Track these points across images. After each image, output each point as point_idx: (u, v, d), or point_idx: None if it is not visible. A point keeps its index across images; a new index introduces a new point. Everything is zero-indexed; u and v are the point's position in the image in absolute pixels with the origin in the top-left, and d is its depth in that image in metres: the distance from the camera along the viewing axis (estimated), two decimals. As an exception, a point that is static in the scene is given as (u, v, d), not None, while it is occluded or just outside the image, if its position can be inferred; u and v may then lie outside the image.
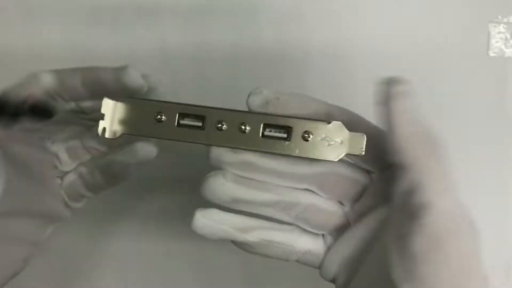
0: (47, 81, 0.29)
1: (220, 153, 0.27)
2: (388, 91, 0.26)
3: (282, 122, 0.26)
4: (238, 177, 0.27)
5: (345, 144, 0.26)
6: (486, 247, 0.41)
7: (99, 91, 0.28)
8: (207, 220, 0.27)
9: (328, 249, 0.28)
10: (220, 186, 0.26)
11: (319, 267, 0.28)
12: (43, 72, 0.29)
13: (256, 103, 0.27)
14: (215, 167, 0.27)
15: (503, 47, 0.41)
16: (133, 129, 0.27)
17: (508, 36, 0.41)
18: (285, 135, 0.27)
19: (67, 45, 0.40)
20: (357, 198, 0.28)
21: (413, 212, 0.23)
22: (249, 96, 0.27)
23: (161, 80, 0.31)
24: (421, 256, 0.22)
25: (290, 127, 0.26)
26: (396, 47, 0.41)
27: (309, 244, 0.28)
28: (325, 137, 0.26)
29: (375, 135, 0.27)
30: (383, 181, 0.27)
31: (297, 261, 0.29)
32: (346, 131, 0.26)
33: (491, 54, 0.41)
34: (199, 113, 0.27)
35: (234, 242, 0.28)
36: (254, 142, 0.26)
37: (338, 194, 0.28)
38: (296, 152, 0.26)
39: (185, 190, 0.36)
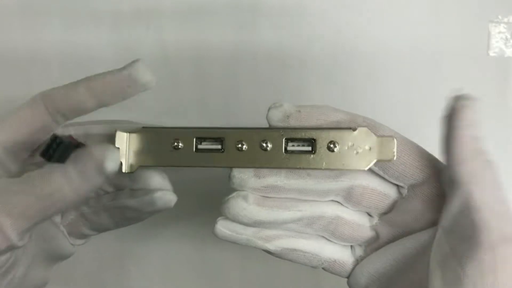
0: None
1: (243, 179, 0.26)
2: (454, 104, 0.24)
3: (304, 135, 0.25)
4: (260, 198, 0.26)
5: (374, 150, 0.25)
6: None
7: (108, 98, 0.27)
8: (229, 231, 0.26)
9: (357, 260, 0.28)
10: (242, 210, 0.25)
11: (347, 277, 0.28)
12: (49, 95, 0.27)
13: (276, 117, 0.25)
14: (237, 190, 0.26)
15: (504, 47, 0.41)
16: (150, 160, 0.26)
17: (508, 36, 0.41)
18: (309, 148, 0.25)
19: (67, 45, 0.40)
20: (386, 211, 0.27)
21: (468, 235, 0.22)
22: (269, 110, 0.26)
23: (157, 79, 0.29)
24: (473, 282, 0.21)
25: (314, 139, 0.25)
26: (396, 47, 0.41)
27: (335, 254, 0.27)
28: (352, 145, 0.25)
29: (404, 146, 0.26)
30: (416, 197, 0.26)
31: (324, 269, 0.28)
32: (374, 136, 0.25)
33: (491, 54, 0.41)
34: (217, 136, 0.25)
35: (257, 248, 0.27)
36: (278, 160, 0.25)
37: (366, 206, 0.27)
38: (323, 165, 0.25)
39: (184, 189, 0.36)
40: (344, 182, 0.26)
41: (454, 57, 0.41)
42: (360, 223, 0.27)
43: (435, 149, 0.43)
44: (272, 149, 0.25)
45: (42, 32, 0.40)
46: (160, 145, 0.25)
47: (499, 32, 0.41)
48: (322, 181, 0.26)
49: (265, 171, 0.26)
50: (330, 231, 0.27)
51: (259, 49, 0.40)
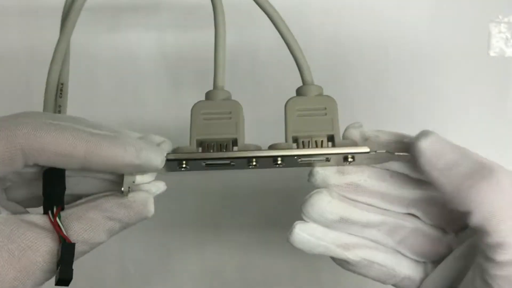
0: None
1: (326, 174, 0.25)
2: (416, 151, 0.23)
3: (317, 156, 0.24)
4: (343, 197, 0.25)
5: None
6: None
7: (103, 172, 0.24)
8: (308, 236, 0.25)
9: (425, 276, 0.27)
10: (327, 204, 0.24)
11: None
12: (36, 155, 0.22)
13: (353, 136, 0.25)
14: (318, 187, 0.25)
15: (504, 47, 0.41)
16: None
17: (509, 36, 0.41)
18: (323, 158, 0.25)
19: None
20: (463, 227, 0.26)
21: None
22: (346, 129, 0.25)
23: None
24: None
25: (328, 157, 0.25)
26: (396, 47, 0.41)
27: (410, 270, 0.27)
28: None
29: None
30: None
31: (394, 285, 0.27)
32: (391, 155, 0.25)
33: (492, 53, 0.41)
34: (225, 162, 0.24)
35: (333, 259, 0.26)
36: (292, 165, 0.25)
37: (443, 221, 0.26)
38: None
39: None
40: (427, 191, 0.25)
41: (454, 57, 0.41)
42: (437, 238, 0.26)
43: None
44: (284, 162, 0.24)
45: (42, 32, 0.39)
46: (170, 166, 0.25)
47: (500, 32, 0.41)
48: (404, 185, 0.25)
49: (348, 168, 0.25)
50: (410, 243, 0.26)
51: (259, 49, 0.40)
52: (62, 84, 0.27)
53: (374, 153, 0.24)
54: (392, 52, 0.40)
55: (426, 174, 0.23)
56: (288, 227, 0.25)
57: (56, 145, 0.21)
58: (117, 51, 0.40)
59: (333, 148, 0.24)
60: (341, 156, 0.24)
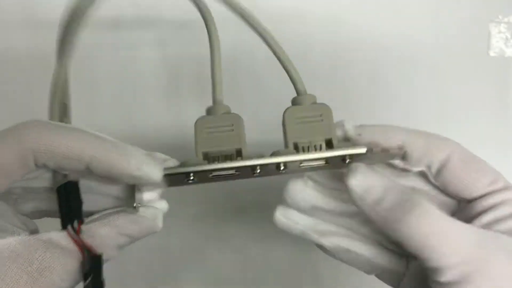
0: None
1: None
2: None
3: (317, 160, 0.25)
4: (319, 186, 0.26)
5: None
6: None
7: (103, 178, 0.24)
8: (285, 219, 0.26)
9: (408, 269, 0.26)
10: (300, 192, 0.26)
11: (397, 287, 0.27)
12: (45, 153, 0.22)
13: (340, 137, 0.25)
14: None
15: (504, 47, 0.41)
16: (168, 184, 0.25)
17: (509, 36, 0.41)
18: (323, 162, 0.25)
19: (67, 45, 0.40)
20: None
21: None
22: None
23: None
24: None
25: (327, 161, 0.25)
26: (396, 47, 0.41)
27: (390, 263, 0.26)
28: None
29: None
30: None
31: (376, 276, 0.27)
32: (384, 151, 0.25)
33: (492, 54, 0.41)
34: (231, 173, 0.25)
35: (315, 244, 0.27)
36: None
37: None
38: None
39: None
40: (410, 181, 0.26)
41: (454, 57, 0.41)
42: (396, 260, 0.27)
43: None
44: (286, 168, 0.25)
45: (42, 32, 0.40)
46: (176, 180, 0.25)
47: (499, 32, 0.41)
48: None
49: None
50: (378, 260, 0.26)
51: (259, 49, 0.40)
52: (65, 104, 0.28)
53: (370, 154, 0.24)
54: (392, 52, 0.41)
55: (358, 208, 0.24)
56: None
57: (65, 147, 0.22)
58: (117, 51, 0.40)
59: (331, 151, 0.25)
60: (339, 158, 0.24)
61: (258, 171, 0.25)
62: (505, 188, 0.24)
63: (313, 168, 0.26)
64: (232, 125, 0.26)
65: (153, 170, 0.23)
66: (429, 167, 0.25)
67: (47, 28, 0.39)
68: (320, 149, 0.25)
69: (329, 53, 0.40)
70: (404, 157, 0.25)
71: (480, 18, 0.41)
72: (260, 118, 0.37)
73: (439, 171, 0.25)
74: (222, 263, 0.42)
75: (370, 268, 0.27)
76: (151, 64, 0.40)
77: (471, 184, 0.25)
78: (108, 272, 0.43)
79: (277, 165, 0.24)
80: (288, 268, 0.43)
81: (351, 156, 0.24)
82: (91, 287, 0.22)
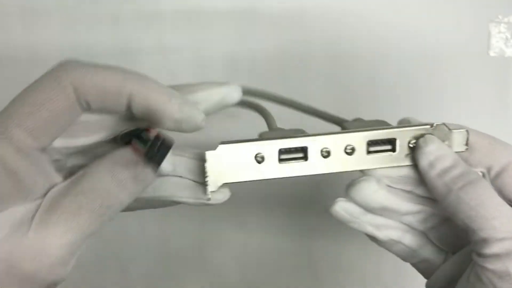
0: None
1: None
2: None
3: (386, 135, 0.25)
4: (390, 187, 0.26)
5: (449, 144, 0.26)
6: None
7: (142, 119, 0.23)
8: (345, 213, 0.26)
9: (440, 264, 0.28)
10: (373, 192, 0.26)
11: (428, 277, 0.28)
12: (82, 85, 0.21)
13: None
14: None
15: (504, 47, 0.41)
16: (235, 176, 0.25)
17: (509, 36, 0.41)
18: (389, 147, 0.26)
19: (67, 45, 0.40)
20: None
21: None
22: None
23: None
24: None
25: (394, 139, 0.26)
26: (396, 47, 0.41)
27: (431, 254, 0.28)
28: None
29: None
30: None
31: (413, 264, 0.29)
32: (448, 130, 0.26)
33: (492, 54, 0.41)
34: (300, 145, 0.25)
35: (367, 235, 0.28)
36: (362, 162, 0.26)
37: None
38: (408, 161, 0.26)
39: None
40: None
41: (454, 57, 0.41)
42: (462, 231, 0.27)
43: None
44: (355, 152, 0.25)
45: (42, 32, 0.40)
46: (243, 160, 0.25)
47: (499, 32, 0.41)
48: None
49: None
50: (438, 232, 0.27)
51: (259, 49, 0.40)
52: None
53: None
54: (392, 52, 0.41)
55: (423, 176, 0.25)
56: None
57: (104, 80, 0.21)
58: (117, 51, 0.40)
59: (407, 126, 0.25)
60: (406, 142, 0.25)
61: (327, 150, 0.25)
62: None
63: (377, 160, 0.26)
64: (296, 131, 0.26)
65: (195, 112, 0.22)
66: (489, 169, 0.26)
67: (47, 27, 0.39)
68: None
69: (329, 53, 0.40)
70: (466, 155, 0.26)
71: (480, 18, 0.41)
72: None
73: (498, 174, 0.26)
74: (222, 263, 0.42)
75: (411, 258, 0.28)
76: (151, 61, 0.40)
77: None
78: (108, 272, 0.43)
79: (346, 146, 0.25)
80: (288, 268, 0.43)
81: (416, 141, 0.25)
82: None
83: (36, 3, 0.39)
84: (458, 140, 0.26)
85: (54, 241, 0.20)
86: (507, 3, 0.41)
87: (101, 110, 0.22)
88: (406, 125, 0.26)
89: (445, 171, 0.24)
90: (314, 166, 0.25)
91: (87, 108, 0.22)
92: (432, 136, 0.25)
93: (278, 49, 0.40)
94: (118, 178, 0.22)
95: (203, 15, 0.40)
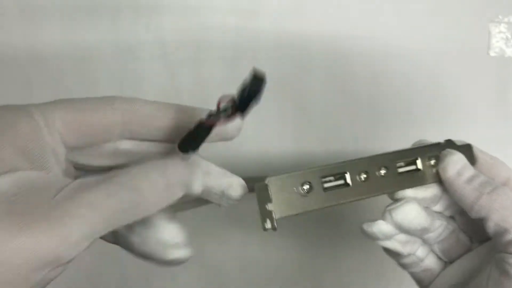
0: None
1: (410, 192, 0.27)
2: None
3: (409, 155, 0.27)
4: (426, 208, 0.28)
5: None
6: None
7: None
8: (380, 234, 0.27)
9: (439, 273, 0.29)
10: (417, 214, 0.27)
11: (427, 286, 0.29)
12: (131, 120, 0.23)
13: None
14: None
15: (504, 47, 0.41)
16: (286, 209, 0.25)
17: (509, 36, 0.41)
18: (414, 167, 0.27)
19: (67, 44, 0.40)
20: (484, 239, 0.28)
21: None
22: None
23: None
24: None
25: (415, 159, 0.27)
26: (396, 47, 0.41)
27: (433, 264, 0.29)
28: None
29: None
30: None
31: (412, 273, 0.29)
32: (457, 146, 0.28)
33: (492, 53, 0.41)
34: (340, 171, 0.26)
35: (384, 248, 0.28)
36: (395, 182, 0.27)
37: (470, 230, 0.29)
38: (430, 180, 0.27)
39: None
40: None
41: (454, 57, 0.41)
42: (465, 244, 0.29)
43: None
44: (387, 173, 0.27)
45: (42, 32, 0.40)
46: (290, 192, 0.25)
47: (500, 32, 0.41)
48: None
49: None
50: (443, 243, 0.29)
51: (259, 48, 0.40)
52: None
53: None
54: (392, 52, 0.40)
55: (450, 185, 0.27)
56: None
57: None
58: (117, 51, 0.40)
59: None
60: (427, 156, 0.27)
61: (366, 176, 0.26)
62: None
63: (408, 181, 0.27)
64: None
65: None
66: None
67: (47, 27, 0.39)
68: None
69: (329, 53, 0.40)
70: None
71: (480, 18, 0.41)
72: (261, 113, 0.37)
73: None
74: (222, 262, 0.42)
75: (414, 266, 0.29)
76: (151, 60, 0.40)
77: None
78: (108, 272, 0.43)
79: (379, 169, 0.26)
80: (288, 268, 0.42)
81: (436, 157, 0.27)
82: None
83: (36, 3, 0.39)
84: (466, 154, 0.27)
85: (74, 223, 0.19)
86: (507, 3, 0.41)
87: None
88: (423, 144, 0.28)
89: (473, 177, 0.26)
90: (356, 191, 0.26)
91: (124, 136, 0.24)
92: (451, 150, 0.27)
93: (278, 48, 0.40)
94: (167, 180, 0.22)
95: (203, 14, 0.40)
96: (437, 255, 0.29)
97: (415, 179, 0.27)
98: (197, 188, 0.23)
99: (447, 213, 0.29)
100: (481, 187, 0.26)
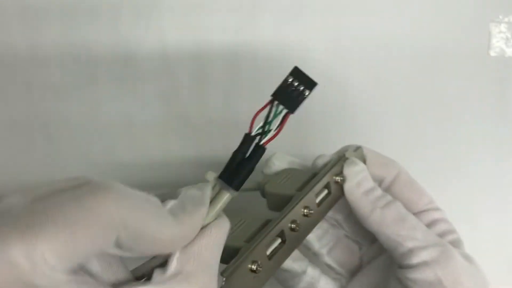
0: None
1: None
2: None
3: (322, 184, 0.27)
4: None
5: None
6: (488, 244, 0.42)
7: None
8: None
9: None
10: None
11: None
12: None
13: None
14: None
15: (504, 47, 0.41)
16: None
17: (509, 36, 0.41)
18: (327, 191, 0.27)
19: (67, 45, 0.40)
20: (373, 240, 0.29)
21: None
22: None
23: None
24: None
25: (328, 183, 0.28)
26: (396, 47, 0.41)
27: (328, 285, 0.29)
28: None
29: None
30: None
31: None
32: (352, 152, 0.29)
33: (492, 53, 0.41)
34: (278, 231, 0.24)
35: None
36: (318, 215, 0.27)
37: (359, 235, 0.30)
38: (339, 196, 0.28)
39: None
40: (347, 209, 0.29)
41: (455, 57, 0.41)
42: (355, 251, 0.30)
43: (435, 148, 0.43)
44: (309, 211, 0.26)
45: (42, 32, 0.40)
46: (242, 273, 0.22)
47: (500, 32, 0.41)
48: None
49: None
50: (334, 253, 0.30)
51: (259, 48, 0.40)
52: None
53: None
54: (392, 52, 0.40)
55: (350, 200, 0.27)
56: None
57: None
58: (117, 51, 0.40)
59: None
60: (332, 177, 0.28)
61: (296, 222, 0.25)
62: (437, 209, 0.28)
63: (326, 206, 0.27)
64: None
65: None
66: (381, 180, 0.29)
67: (47, 27, 0.39)
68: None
69: (329, 53, 0.40)
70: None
71: (480, 18, 0.41)
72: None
73: (391, 184, 0.28)
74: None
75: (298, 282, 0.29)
76: (151, 61, 0.40)
77: (415, 200, 0.28)
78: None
79: (304, 211, 0.26)
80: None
81: (341, 174, 0.27)
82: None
83: (36, 3, 0.39)
84: (359, 156, 0.28)
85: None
86: (507, 3, 0.41)
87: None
88: (328, 166, 0.28)
89: (370, 190, 0.27)
90: (291, 244, 0.25)
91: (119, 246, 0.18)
92: (354, 158, 0.28)
93: (278, 48, 0.40)
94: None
95: (203, 14, 0.40)
96: (333, 271, 0.30)
97: (330, 202, 0.27)
98: None
99: (332, 221, 0.30)
100: (376, 201, 0.26)
